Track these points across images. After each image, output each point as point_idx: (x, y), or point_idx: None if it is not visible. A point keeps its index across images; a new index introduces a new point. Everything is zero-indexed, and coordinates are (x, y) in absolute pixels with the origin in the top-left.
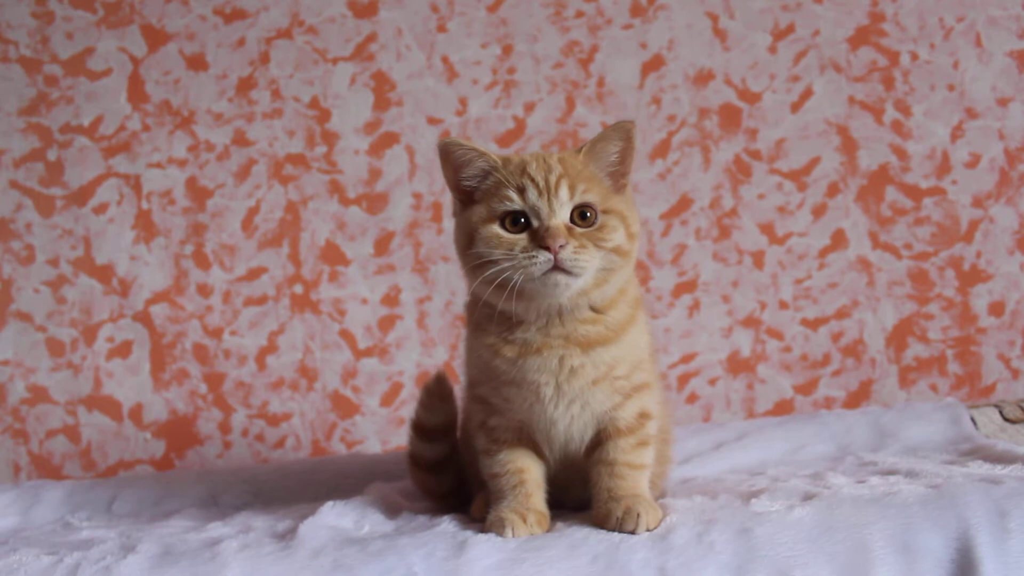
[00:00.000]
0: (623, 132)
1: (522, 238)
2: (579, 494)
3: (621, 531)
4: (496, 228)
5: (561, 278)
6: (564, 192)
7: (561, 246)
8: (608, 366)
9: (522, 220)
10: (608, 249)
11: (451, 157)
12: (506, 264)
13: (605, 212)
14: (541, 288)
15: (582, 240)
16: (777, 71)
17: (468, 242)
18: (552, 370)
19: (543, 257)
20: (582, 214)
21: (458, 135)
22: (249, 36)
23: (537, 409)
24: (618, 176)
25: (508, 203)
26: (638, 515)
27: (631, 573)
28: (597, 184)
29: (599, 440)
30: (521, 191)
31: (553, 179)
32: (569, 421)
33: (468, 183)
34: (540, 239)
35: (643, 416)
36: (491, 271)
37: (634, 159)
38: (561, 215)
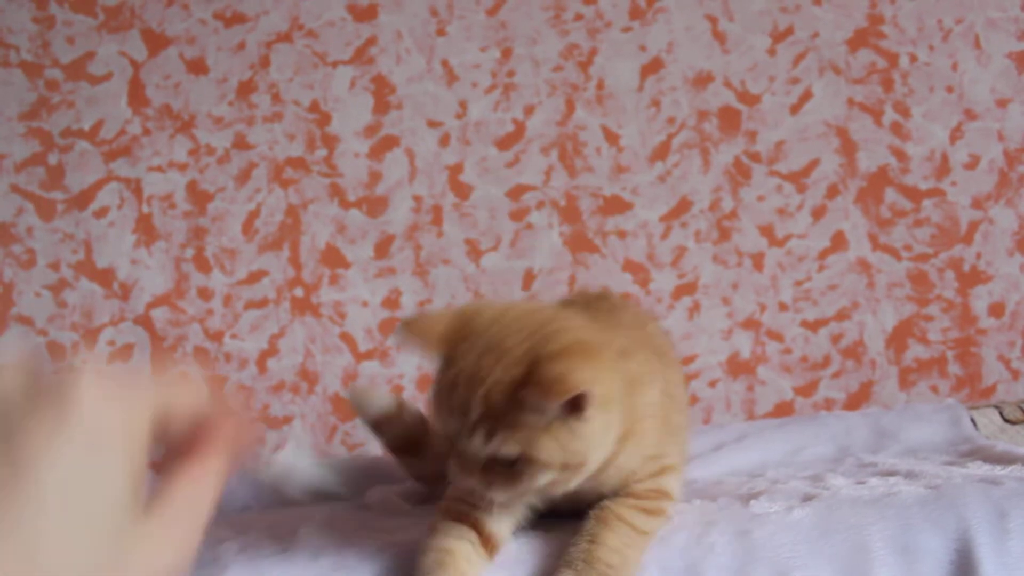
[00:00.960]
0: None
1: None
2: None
3: None
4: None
5: (466, 496)
6: (479, 439)
7: (465, 480)
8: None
9: None
10: (525, 493)
11: None
12: None
13: (526, 460)
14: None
15: (490, 477)
16: (776, 73)
17: None
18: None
19: (452, 465)
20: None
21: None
22: (249, 40)
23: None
24: (566, 412)
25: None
26: None
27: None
28: (523, 429)
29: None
30: (442, 404)
31: (470, 420)
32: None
33: None
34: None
35: (659, 493)
36: None
37: (599, 396)
38: (473, 453)
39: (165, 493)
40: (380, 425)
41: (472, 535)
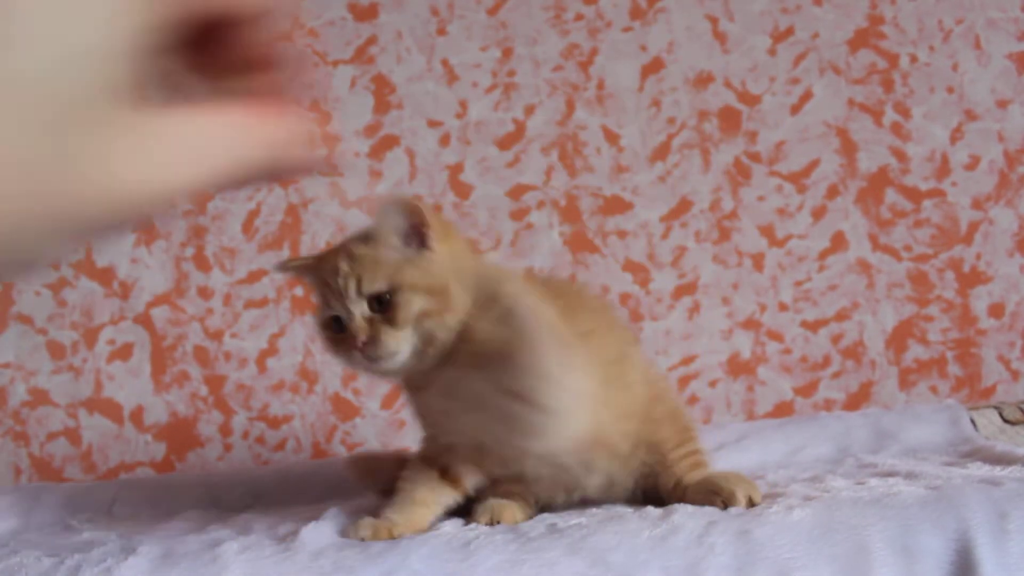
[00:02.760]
0: (402, 211)
1: (342, 339)
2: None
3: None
4: (328, 334)
5: (375, 366)
6: (352, 290)
7: (363, 342)
8: None
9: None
10: (406, 321)
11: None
12: (346, 365)
13: (395, 290)
14: (371, 375)
15: (376, 328)
16: (777, 73)
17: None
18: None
19: (359, 356)
20: (378, 300)
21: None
22: None
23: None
24: (417, 245)
25: (323, 311)
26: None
27: (631, 575)
28: (385, 266)
29: None
30: (326, 300)
31: (342, 281)
32: None
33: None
34: (353, 339)
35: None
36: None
37: (435, 227)
38: (358, 313)
39: (177, 100)
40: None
41: (435, 472)
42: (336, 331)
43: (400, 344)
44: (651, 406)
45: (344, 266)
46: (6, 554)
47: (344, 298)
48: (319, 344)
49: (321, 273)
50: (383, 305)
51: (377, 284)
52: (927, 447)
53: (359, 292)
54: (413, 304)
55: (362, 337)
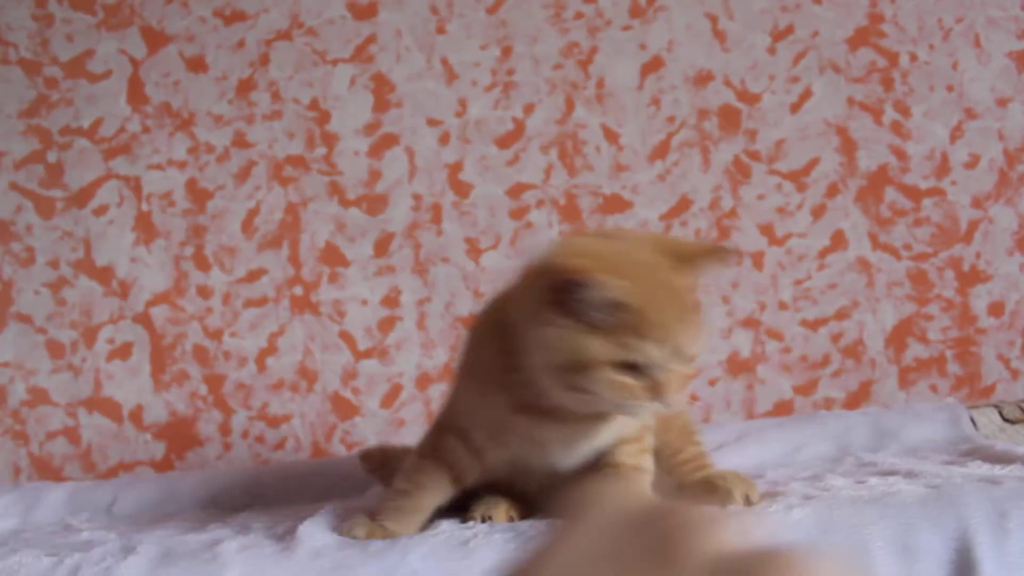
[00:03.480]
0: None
1: (638, 386)
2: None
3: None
4: (615, 375)
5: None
6: (693, 350)
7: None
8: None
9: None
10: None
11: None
12: (615, 404)
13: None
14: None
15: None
16: (776, 72)
17: (571, 367)
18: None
19: (654, 406)
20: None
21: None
22: (249, 38)
23: (535, 455)
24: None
25: (635, 354)
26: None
27: None
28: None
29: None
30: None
31: (688, 342)
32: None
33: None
34: (658, 391)
35: (644, 427)
36: (589, 399)
37: None
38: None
39: None
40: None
41: (447, 477)
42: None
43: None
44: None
45: (694, 319)
46: (6, 553)
47: (680, 356)
48: (579, 370)
49: (648, 313)
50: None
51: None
52: (927, 446)
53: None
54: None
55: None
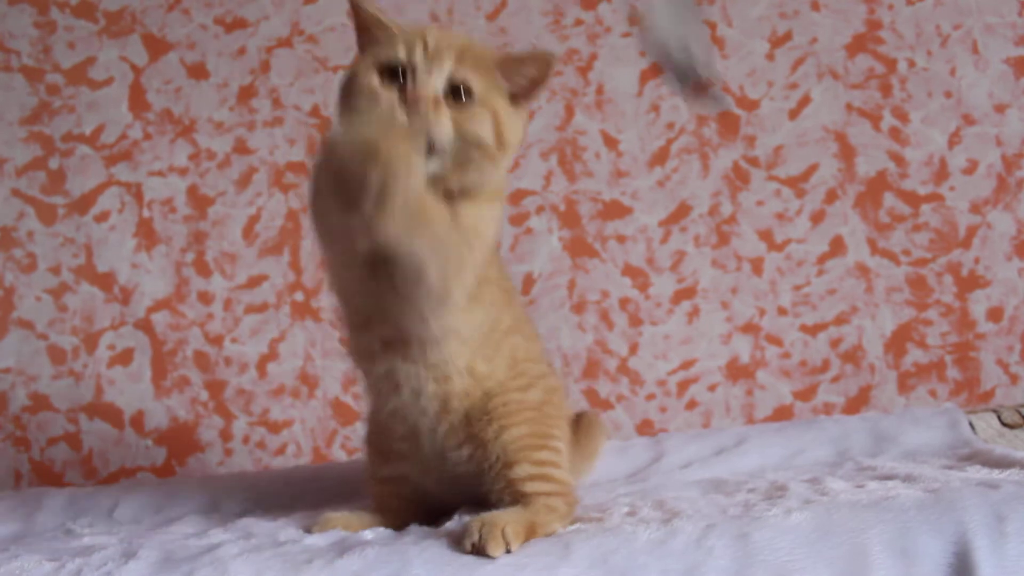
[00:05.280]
0: (543, 63)
1: (394, 96)
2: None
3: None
4: (374, 81)
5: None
6: (447, 60)
7: (425, 102)
8: None
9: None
10: (468, 132)
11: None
12: (376, 121)
13: (477, 100)
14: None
15: (441, 108)
16: (775, 78)
17: (345, 90)
18: None
19: (413, 122)
20: (454, 92)
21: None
22: (250, 45)
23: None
24: (519, 96)
25: (387, 51)
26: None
27: None
28: (485, 74)
29: None
30: (392, 45)
31: (441, 47)
32: None
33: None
34: (413, 103)
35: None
36: (356, 119)
37: (540, 93)
38: (435, 81)
39: None
40: None
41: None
42: (387, 80)
43: (447, 142)
44: (522, 393)
45: (448, 35)
46: (7, 558)
47: (426, 59)
48: (338, 104)
49: (408, 30)
50: (455, 99)
51: (466, 76)
52: (926, 450)
53: (444, 64)
54: (484, 125)
55: (428, 96)
